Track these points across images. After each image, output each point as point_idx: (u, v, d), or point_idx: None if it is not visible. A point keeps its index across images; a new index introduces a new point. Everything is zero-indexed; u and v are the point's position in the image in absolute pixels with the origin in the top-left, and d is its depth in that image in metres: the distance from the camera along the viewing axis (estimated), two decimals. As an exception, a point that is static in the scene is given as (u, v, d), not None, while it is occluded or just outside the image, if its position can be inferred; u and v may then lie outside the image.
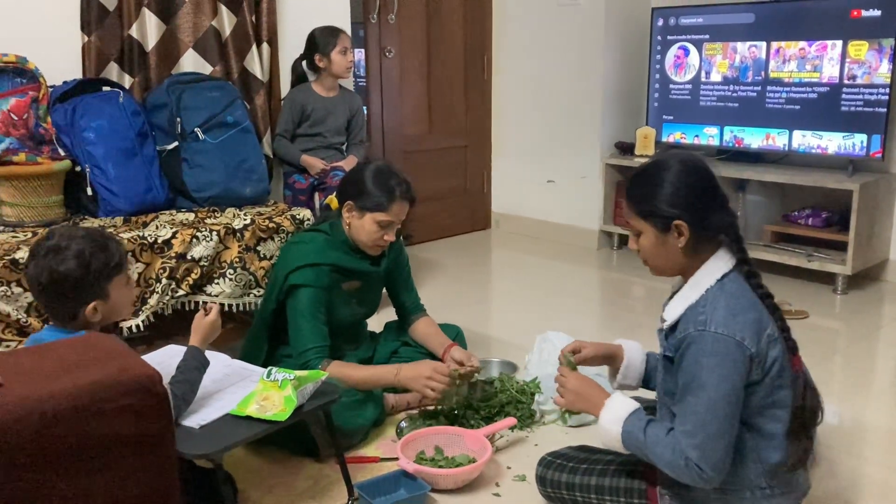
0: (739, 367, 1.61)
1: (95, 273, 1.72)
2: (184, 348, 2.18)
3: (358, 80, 4.48)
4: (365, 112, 3.94)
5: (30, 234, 2.52)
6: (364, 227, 2.39)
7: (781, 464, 1.69)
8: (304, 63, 3.55)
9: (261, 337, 2.48)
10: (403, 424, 2.42)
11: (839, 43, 3.80)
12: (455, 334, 2.71)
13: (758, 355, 1.63)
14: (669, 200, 1.69)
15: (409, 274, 2.72)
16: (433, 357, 2.60)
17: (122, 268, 1.81)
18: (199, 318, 1.97)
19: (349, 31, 3.59)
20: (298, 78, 3.56)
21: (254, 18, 3.32)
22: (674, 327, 1.72)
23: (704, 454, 1.60)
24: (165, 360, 2.04)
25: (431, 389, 2.32)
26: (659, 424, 1.71)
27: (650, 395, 2.01)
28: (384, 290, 2.72)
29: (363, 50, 4.49)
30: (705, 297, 1.68)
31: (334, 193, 2.53)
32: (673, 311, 1.72)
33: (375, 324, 2.85)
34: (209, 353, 2.18)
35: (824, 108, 3.88)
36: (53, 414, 1.06)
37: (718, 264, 1.71)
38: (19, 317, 2.25)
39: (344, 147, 3.66)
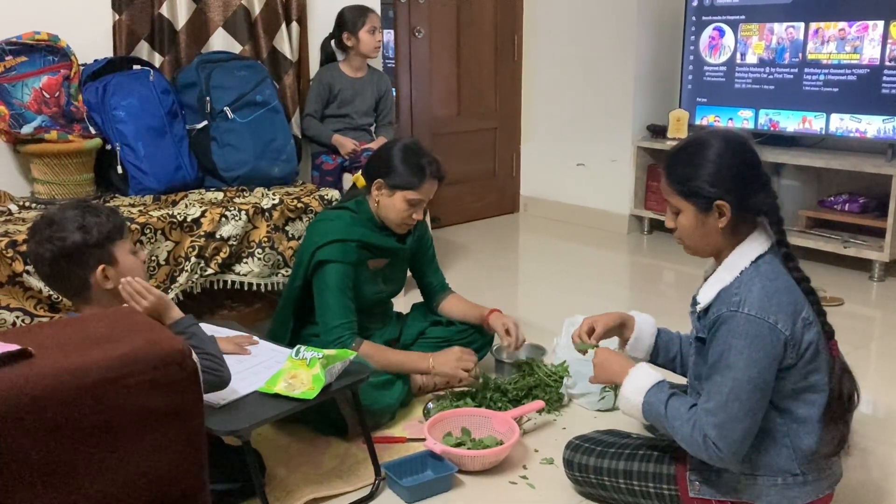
0: (770, 351, 1.59)
1: (94, 234, 1.72)
2: (213, 327, 2.20)
3: (387, 61, 4.46)
4: (393, 93, 3.92)
5: (61, 212, 2.53)
6: (394, 205, 2.37)
7: (816, 450, 1.66)
8: (332, 42, 3.53)
9: (287, 316, 2.48)
10: (431, 405, 2.41)
11: (881, 23, 3.70)
12: (482, 317, 2.70)
13: (792, 338, 1.60)
14: (712, 180, 1.65)
15: (434, 254, 2.71)
16: (466, 333, 2.61)
17: (122, 232, 1.80)
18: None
19: (379, 11, 3.57)
20: (327, 57, 3.55)
21: (283, -3, 3.31)
22: (707, 309, 1.69)
23: (723, 434, 1.59)
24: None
25: (464, 371, 2.34)
26: (681, 399, 1.70)
27: (681, 380, 1.99)
28: (409, 273, 2.71)
29: (392, 31, 4.46)
30: (740, 279, 1.65)
31: (360, 171, 2.52)
32: (707, 293, 1.70)
33: (403, 306, 2.84)
34: (233, 332, 2.19)
35: (864, 91, 3.78)
36: (84, 386, 1.06)
37: (754, 246, 1.68)
38: (50, 293, 2.27)
39: (372, 128, 3.64)
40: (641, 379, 1.75)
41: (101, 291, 1.74)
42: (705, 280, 1.77)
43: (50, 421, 1.03)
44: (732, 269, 1.67)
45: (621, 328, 1.99)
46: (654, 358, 2.00)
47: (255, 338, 2.17)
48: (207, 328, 2.19)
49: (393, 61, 4.53)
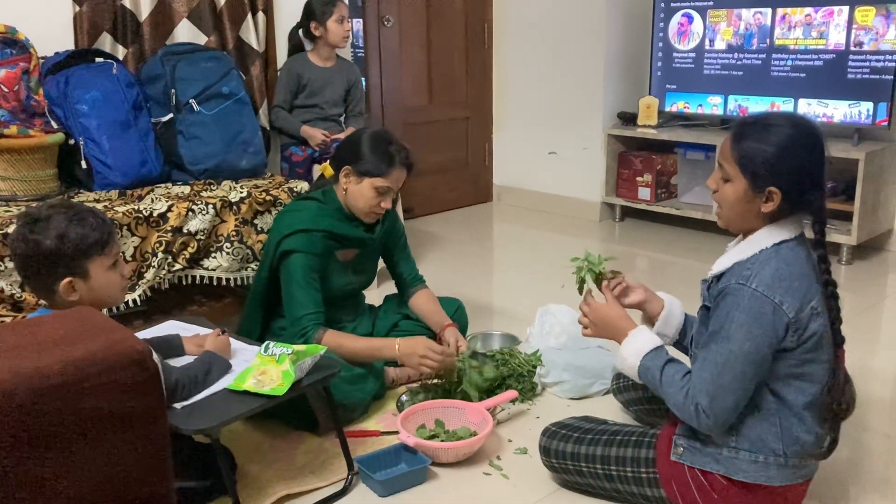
0: (769, 330, 1.61)
1: (70, 246, 1.67)
2: (182, 324, 2.17)
3: (356, 50, 4.42)
4: (363, 83, 3.89)
5: (23, 208, 2.48)
6: (362, 192, 2.35)
7: (804, 446, 1.69)
8: (300, 32, 3.49)
9: (256, 309, 2.46)
10: (404, 398, 2.40)
11: (846, 8, 3.73)
12: (456, 308, 2.69)
13: (796, 322, 1.62)
14: (776, 166, 1.63)
15: (406, 244, 2.69)
16: (434, 331, 2.59)
17: (105, 247, 1.74)
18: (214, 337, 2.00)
19: (346, 0, 3.53)
20: (295, 47, 3.51)
21: (249, -13, 3.26)
22: (719, 279, 1.71)
23: (713, 402, 1.63)
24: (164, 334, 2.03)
25: (426, 367, 2.33)
26: (676, 365, 1.73)
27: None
28: (382, 264, 2.69)
29: (361, 19, 4.42)
30: (757, 256, 1.67)
31: (328, 161, 2.50)
32: (722, 263, 1.72)
33: (376, 297, 2.82)
34: (203, 329, 2.16)
35: (830, 76, 3.82)
36: (40, 389, 1.03)
37: (782, 231, 1.69)
38: (13, 292, 2.23)
39: (342, 119, 3.61)
40: (641, 342, 1.78)
41: (64, 301, 1.69)
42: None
43: (5, 427, 1.00)
44: (754, 246, 1.69)
45: (647, 304, 1.98)
46: (683, 338, 2.00)
47: (226, 332, 2.13)
48: (176, 325, 2.17)
49: (362, 50, 4.48)
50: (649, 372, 1.75)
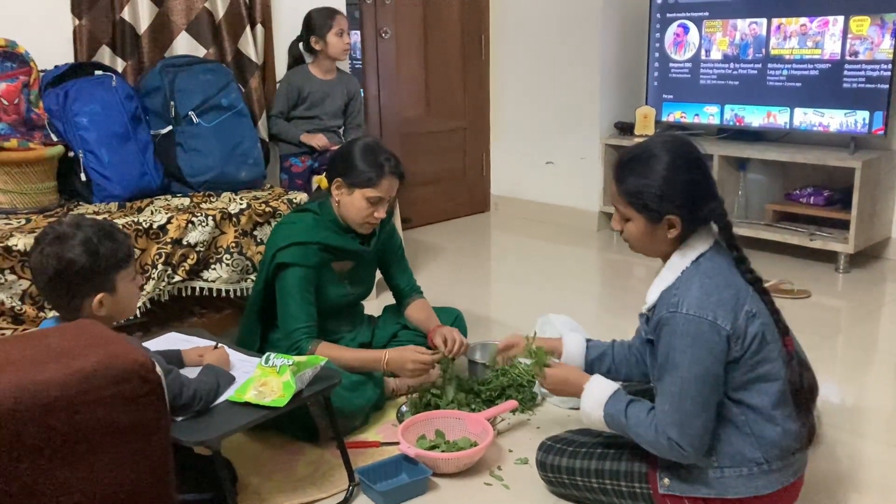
0: (712, 348, 1.62)
1: (103, 262, 1.67)
2: (182, 336, 2.17)
3: (354, 62, 4.44)
4: (362, 95, 3.91)
5: (23, 221, 2.49)
6: (354, 203, 2.36)
7: (783, 443, 1.69)
8: (300, 45, 3.51)
9: (254, 321, 2.46)
10: (404, 409, 2.40)
11: (841, 18, 3.75)
12: (454, 317, 2.69)
13: (735, 333, 1.64)
14: (663, 195, 1.68)
15: (403, 256, 2.69)
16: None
17: (130, 260, 1.75)
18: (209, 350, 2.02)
19: (345, 13, 3.55)
20: (295, 60, 3.52)
21: (247, 0, 3.28)
22: (654, 309, 1.73)
23: (683, 432, 1.64)
24: (164, 347, 2.03)
25: (418, 374, 2.36)
26: (639, 405, 1.74)
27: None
28: (380, 274, 2.70)
29: (359, 32, 4.44)
30: (680, 279, 1.69)
31: (323, 173, 2.51)
32: (651, 295, 1.74)
33: (376, 308, 2.83)
34: (203, 341, 2.16)
35: (826, 85, 3.84)
36: (42, 404, 1.03)
37: (696, 246, 1.72)
38: (13, 304, 2.23)
39: (341, 130, 3.62)
40: (598, 392, 1.80)
41: (92, 317, 1.68)
42: None
43: (6, 441, 1.00)
44: (675, 270, 1.72)
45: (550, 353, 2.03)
46: (600, 368, 2.03)
47: (221, 345, 2.13)
48: (176, 337, 2.17)
49: (360, 62, 4.50)
50: (614, 419, 1.75)
